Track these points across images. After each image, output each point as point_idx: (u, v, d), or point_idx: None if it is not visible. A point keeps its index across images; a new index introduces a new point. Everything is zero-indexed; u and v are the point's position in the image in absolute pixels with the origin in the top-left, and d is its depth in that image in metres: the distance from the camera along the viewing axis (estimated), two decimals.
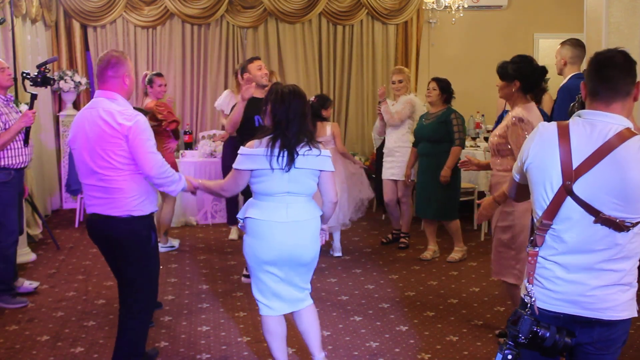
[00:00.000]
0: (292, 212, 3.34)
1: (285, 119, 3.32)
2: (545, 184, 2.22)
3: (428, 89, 5.92)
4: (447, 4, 7.85)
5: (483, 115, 8.15)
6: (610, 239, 2.17)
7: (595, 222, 2.16)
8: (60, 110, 8.20)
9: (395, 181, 6.31)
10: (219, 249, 6.44)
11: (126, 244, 3.47)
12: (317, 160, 3.34)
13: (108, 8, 8.19)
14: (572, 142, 2.18)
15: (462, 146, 5.87)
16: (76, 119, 3.52)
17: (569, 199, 2.17)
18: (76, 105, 8.30)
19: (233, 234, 6.80)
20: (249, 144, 3.38)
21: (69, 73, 7.88)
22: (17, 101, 5.96)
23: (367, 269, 5.73)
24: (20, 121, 4.72)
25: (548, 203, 2.21)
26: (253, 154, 3.32)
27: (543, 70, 3.93)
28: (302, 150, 3.31)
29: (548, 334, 2.20)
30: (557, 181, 2.19)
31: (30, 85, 5.20)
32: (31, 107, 4.87)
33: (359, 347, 4.11)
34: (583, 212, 2.17)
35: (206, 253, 6.31)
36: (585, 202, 2.16)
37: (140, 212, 3.46)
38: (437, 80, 5.91)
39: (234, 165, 3.40)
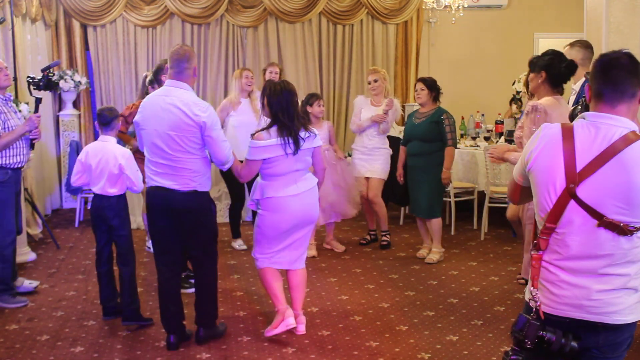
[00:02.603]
0: (300, 185, 4.08)
1: (280, 110, 3.99)
2: (549, 186, 2.19)
3: (416, 91, 5.95)
4: (447, 4, 7.84)
5: (483, 115, 8.15)
6: (614, 243, 2.14)
7: (599, 225, 2.13)
8: (60, 110, 8.20)
9: (368, 179, 6.28)
10: (219, 249, 6.42)
11: (191, 215, 3.95)
12: (313, 141, 4.11)
13: (108, 7, 8.19)
14: (576, 144, 2.16)
15: (455, 146, 5.87)
16: (148, 104, 3.96)
17: (572, 202, 2.15)
18: (76, 105, 8.31)
19: (239, 245, 6.45)
20: (257, 135, 4.01)
21: (69, 73, 7.87)
22: (16, 101, 5.96)
23: (367, 269, 5.73)
24: (25, 125, 4.72)
25: (551, 206, 2.19)
26: (267, 145, 3.95)
27: (571, 65, 3.98)
28: (303, 134, 4.02)
29: (554, 339, 2.17)
30: (560, 184, 2.16)
31: (34, 89, 5.18)
32: (36, 110, 4.86)
33: (359, 347, 4.11)
34: (586, 216, 2.14)
35: None
36: (589, 205, 2.13)
37: (202, 189, 3.98)
38: (422, 80, 5.94)
39: (249, 157, 4.01)
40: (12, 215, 4.86)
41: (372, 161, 6.26)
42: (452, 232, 6.91)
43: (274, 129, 3.99)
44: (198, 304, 4.17)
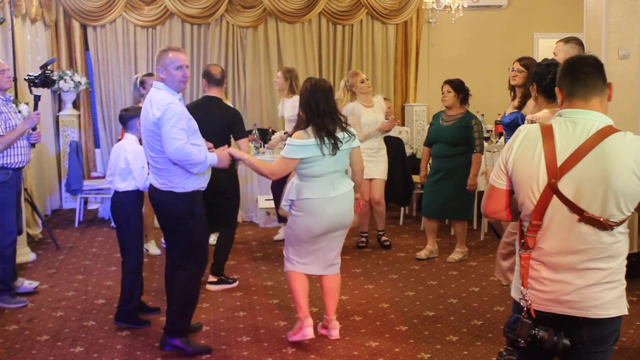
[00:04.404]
0: (337, 188, 3.97)
1: (309, 109, 3.92)
2: (532, 184, 2.22)
3: (443, 93, 5.86)
4: (447, 4, 7.84)
5: (483, 115, 8.14)
6: (595, 238, 2.18)
7: (579, 221, 2.17)
8: (60, 110, 8.20)
9: (371, 180, 6.22)
10: None
11: (167, 214, 3.93)
12: (351, 142, 3.99)
13: (108, 8, 8.19)
14: (556, 141, 2.20)
15: (482, 152, 5.83)
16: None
17: (554, 198, 2.18)
18: (76, 105, 8.31)
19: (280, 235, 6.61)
20: (296, 134, 3.92)
21: (69, 73, 7.88)
22: (16, 101, 5.96)
23: (367, 269, 5.72)
24: (25, 123, 4.73)
25: (535, 203, 2.21)
26: (305, 145, 3.85)
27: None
28: (340, 135, 3.92)
29: (547, 337, 2.19)
30: (543, 180, 2.19)
31: (32, 86, 5.18)
32: (35, 108, 4.87)
33: (359, 347, 4.10)
34: (568, 211, 2.18)
35: None
36: (570, 200, 2.16)
37: (180, 189, 3.86)
38: (449, 82, 5.85)
39: (285, 155, 3.90)
40: (14, 215, 4.86)
41: (378, 162, 6.22)
42: (452, 233, 6.90)
43: (310, 129, 3.89)
44: (167, 305, 4.07)
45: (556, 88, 2.35)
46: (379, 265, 5.86)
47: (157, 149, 3.82)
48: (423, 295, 5.06)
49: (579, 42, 4.81)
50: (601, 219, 2.15)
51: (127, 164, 4.39)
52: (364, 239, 6.47)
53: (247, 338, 4.25)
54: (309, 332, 4.04)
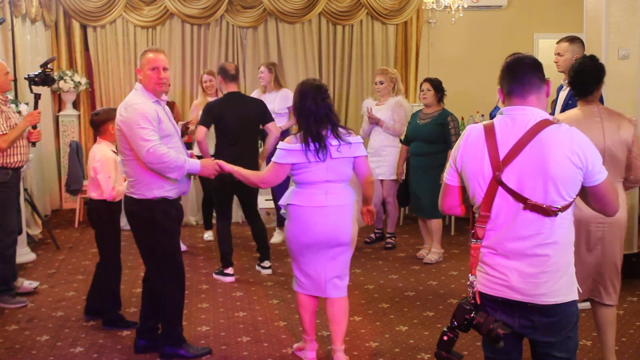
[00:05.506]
0: (330, 198, 3.61)
1: (296, 111, 3.66)
2: (479, 178, 2.37)
3: (422, 91, 5.94)
4: (447, 4, 7.84)
5: (483, 116, 8.14)
6: (539, 224, 2.31)
7: (524, 209, 2.30)
8: (60, 110, 8.20)
9: (382, 181, 6.25)
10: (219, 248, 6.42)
11: (130, 220, 3.84)
12: (350, 149, 3.61)
13: (108, 8, 8.19)
14: (497, 137, 2.36)
15: None
16: None
17: (500, 189, 2.33)
18: (76, 105, 8.31)
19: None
20: (287, 139, 3.66)
21: (69, 73, 7.88)
22: (15, 101, 5.97)
23: (367, 269, 5.73)
24: (26, 120, 4.74)
25: (483, 196, 2.36)
26: (292, 149, 3.56)
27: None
28: (334, 141, 3.57)
29: (483, 322, 2.31)
30: (488, 174, 2.35)
31: (32, 84, 5.20)
32: (35, 106, 4.88)
33: (359, 347, 4.11)
34: (513, 201, 2.32)
35: (206, 253, 6.30)
36: (514, 190, 2.30)
37: (140, 196, 3.71)
38: (429, 80, 5.94)
39: (275, 160, 3.62)
40: (14, 216, 4.87)
41: (381, 162, 6.20)
42: (452, 233, 6.91)
43: (301, 134, 3.59)
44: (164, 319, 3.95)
45: (498, 87, 2.51)
46: (379, 265, 5.86)
47: (124, 152, 3.71)
48: (423, 295, 5.06)
49: (582, 42, 4.80)
50: (544, 206, 2.28)
51: (95, 173, 4.32)
52: (372, 236, 6.52)
53: (247, 338, 4.25)
54: (310, 356, 3.83)
